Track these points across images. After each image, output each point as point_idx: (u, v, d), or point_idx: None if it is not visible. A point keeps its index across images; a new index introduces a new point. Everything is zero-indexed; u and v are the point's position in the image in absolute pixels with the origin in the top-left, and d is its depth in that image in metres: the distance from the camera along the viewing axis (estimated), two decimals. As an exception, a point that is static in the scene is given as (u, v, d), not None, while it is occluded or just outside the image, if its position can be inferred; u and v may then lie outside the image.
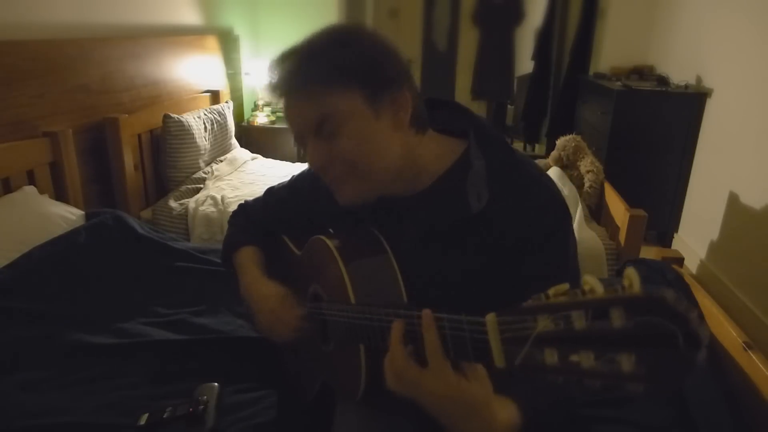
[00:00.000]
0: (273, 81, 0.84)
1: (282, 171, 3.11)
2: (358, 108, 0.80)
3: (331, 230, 1.01)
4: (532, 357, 0.44)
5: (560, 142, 2.94)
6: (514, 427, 0.68)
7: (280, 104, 0.86)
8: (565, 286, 0.43)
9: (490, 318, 0.52)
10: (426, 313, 0.64)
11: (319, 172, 0.87)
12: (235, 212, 1.25)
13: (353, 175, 0.84)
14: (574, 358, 0.40)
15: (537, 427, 0.71)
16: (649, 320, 0.36)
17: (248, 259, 1.14)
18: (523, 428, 0.68)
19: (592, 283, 0.40)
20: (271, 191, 1.21)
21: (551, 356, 0.42)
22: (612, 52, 3.89)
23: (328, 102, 0.80)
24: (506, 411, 0.68)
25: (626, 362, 0.38)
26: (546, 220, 0.83)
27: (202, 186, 2.75)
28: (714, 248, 2.89)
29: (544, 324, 0.42)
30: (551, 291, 0.44)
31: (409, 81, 0.85)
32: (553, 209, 0.84)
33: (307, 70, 0.80)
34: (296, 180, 1.16)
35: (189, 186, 2.73)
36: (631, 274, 0.39)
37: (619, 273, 1.94)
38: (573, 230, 0.89)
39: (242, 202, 1.27)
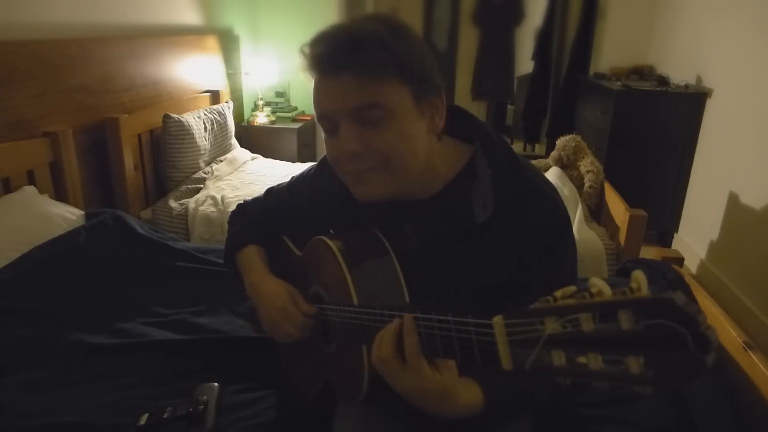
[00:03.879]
0: (317, 53, 0.78)
1: (282, 171, 3.10)
2: (407, 104, 0.79)
3: (331, 231, 1.01)
4: (540, 359, 0.44)
5: (560, 142, 2.94)
6: (476, 405, 0.76)
7: (312, 78, 0.81)
8: (572, 288, 0.43)
9: (498, 320, 0.52)
10: (408, 318, 0.69)
11: (347, 159, 0.82)
12: (234, 212, 1.25)
13: (384, 169, 0.81)
14: (581, 360, 0.40)
15: (500, 408, 0.80)
16: (658, 323, 0.36)
17: (253, 258, 1.13)
18: (486, 409, 0.77)
19: (599, 285, 0.40)
20: (271, 192, 1.21)
21: (559, 358, 0.42)
22: (612, 52, 3.90)
23: (381, 91, 0.77)
24: (469, 392, 0.76)
25: (634, 364, 0.37)
26: (547, 234, 0.84)
27: (202, 186, 2.74)
28: (714, 248, 2.89)
29: (552, 326, 0.42)
30: (558, 293, 0.43)
31: (444, 89, 0.85)
32: (555, 222, 0.86)
33: (366, 53, 0.75)
34: (296, 181, 1.16)
35: (189, 186, 2.73)
36: (639, 277, 0.39)
37: (620, 273, 1.94)
38: (573, 239, 0.90)
39: (241, 202, 1.27)
